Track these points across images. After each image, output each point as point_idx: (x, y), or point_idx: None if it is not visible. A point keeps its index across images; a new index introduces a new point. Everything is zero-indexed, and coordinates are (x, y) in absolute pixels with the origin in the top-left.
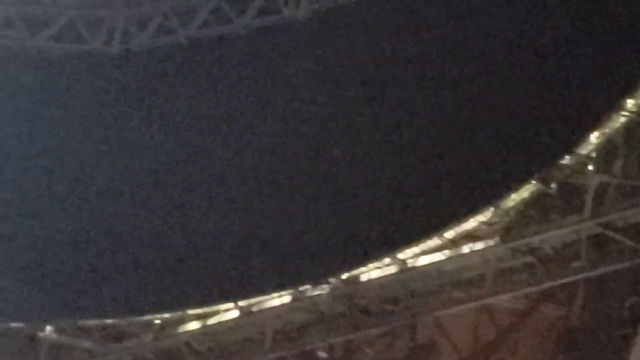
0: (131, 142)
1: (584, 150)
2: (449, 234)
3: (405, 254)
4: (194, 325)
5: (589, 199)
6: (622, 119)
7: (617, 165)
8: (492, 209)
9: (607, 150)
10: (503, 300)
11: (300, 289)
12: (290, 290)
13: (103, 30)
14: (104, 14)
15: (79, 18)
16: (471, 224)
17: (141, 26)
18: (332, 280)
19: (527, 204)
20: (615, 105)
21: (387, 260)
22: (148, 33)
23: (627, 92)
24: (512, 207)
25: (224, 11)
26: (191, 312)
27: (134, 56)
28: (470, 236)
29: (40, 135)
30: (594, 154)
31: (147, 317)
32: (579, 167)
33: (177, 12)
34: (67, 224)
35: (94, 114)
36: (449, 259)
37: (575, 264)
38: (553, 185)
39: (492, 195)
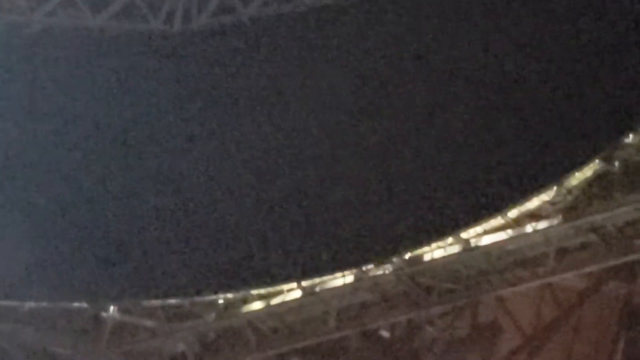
0: (192, 123)
1: None
2: (512, 213)
3: (468, 234)
4: (257, 305)
5: None
6: None
7: None
8: (555, 188)
9: None
10: (566, 279)
11: (363, 268)
12: (353, 270)
13: (164, 9)
14: None
15: None
16: (534, 203)
17: (202, 5)
18: (395, 260)
19: (590, 182)
20: None
21: (450, 239)
22: (209, 12)
23: None
24: (575, 186)
25: None
26: (254, 292)
27: (195, 35)
28: (533, 215)
29: (101, 114)
30: None
31: (211, 297)
32: None
33: None
34: (131, 204)
35: (153, 95)
36: (511, 238)
37: (638, 242)
38: (616, 164)
39: (555, 174)
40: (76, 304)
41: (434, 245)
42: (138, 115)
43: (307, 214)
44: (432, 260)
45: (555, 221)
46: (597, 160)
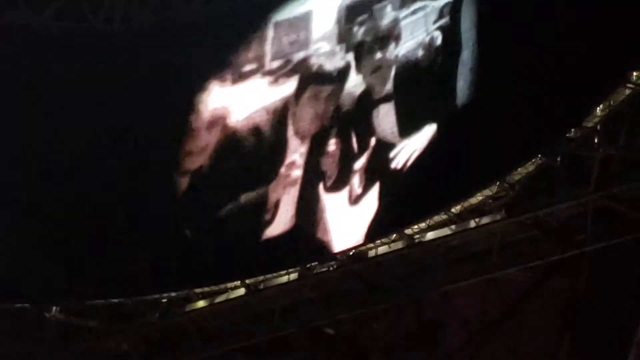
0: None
1: (589, 123)
2: (455, 209)
3: (411, 230)
4: (201, 304)
5: (594, 171)
6: (627, 92)
7: (622, 137)
8: (497, 183)
9: (611, 123)
10: (509, 274)
11: (308, 266)
12: (298, 268)
13: (104, 7)
14: None
15: None
16: (477, 198)
17: (142, 3)
18: (339, 257)
19: (533, 177)
20: (619, 77)
21: (393, 236)
22: (149, 10)
23: (632, 64)
24: (518, 181)
25: None
26: (198, 290)
27: (135, 33)
28: (477, 210)
29: (44, 112)
30: (599, 127)
31: (154, 296)
32: (584, 140)
33: None
34: (74, 205)
35: (95, 91)
36: (455, 233)
37: (581, 237)
38: (558, 159)
39: (497, 169)
40: (19, 305)
41: (377, 241)
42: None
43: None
44: (376, 257)
45: (498, 216)
46: (539, 155)
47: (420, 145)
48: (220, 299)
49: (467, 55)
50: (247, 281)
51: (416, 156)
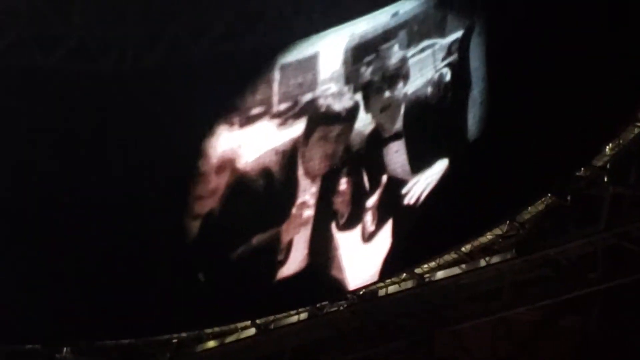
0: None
1: (598, 162)
2: (466, 248)
3: (422, 269)
4: (211, 344)
5: (604, 210)
6: (636, 130)
7: (632, 176)
8: (507, 222)
9: (621, 162)
10: (520, 312)
11: (318, 305)
12: (308, 307)
13: (114, 49)
14: (115, 33)
15: (89, 37)
16: (487, 237)
17: (153, 44)
18: (349, 296)
19: (543, 216)
20: (629, 116)
21: (404, 275)
22: (159, 51)
23: None
24: (528, 220)
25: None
26: (208, 330)
27: (144, 74)
28: (487, 249)
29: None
30: (608, 166)
31: (164, 337)
32: (594, 179)
33: (188, 29)
34: (82, 248)
35: (103, 134)
36: (465, 272)
37: (591, 276)
38: (568, 198)
39: (508, 208)
40: (29, 346)
41: (388, 280)
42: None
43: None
44: (387, 296)
45: (508, 255)
46: (549, 194)
47: (432, 180)
48: (230, 339)
49: (476, 92)
50: (258, 321)
51: (427, 193)
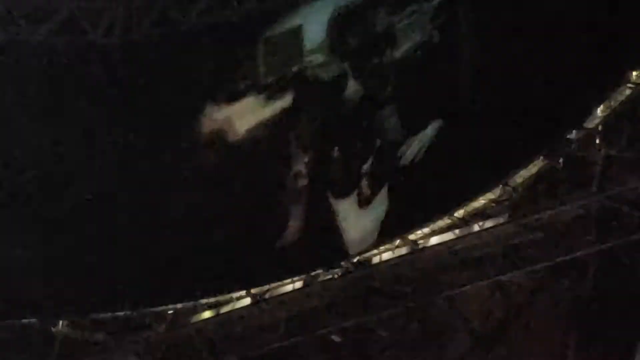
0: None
1: (590, 124)
2: (459, 213)
3: (415, 235)
4: (206, 315)
5: (596, 172)
6: (628, 92)
7: (624, 138)
8: (500, 186)
9: (613, 124)
10: (515, 277)
11: (312, 273)
12: (302, 276)
13: (104, 21)
14: (104, 4)
15: (79, 10)
16: (480, 202)
17: (142, 16)
18: (343, 264)
19: (536, 180)
20: (620, 78)
21: (397, 241)
22: (148, 22)
23: (632, 64)
24: (521, 184)
25: None
26: (204, 301)
27: (135, 46)
28: (480, 214)
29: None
30: (600, 128)
31: (160, 308)
32: (586, 141)
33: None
34: (79, 219)
35: (95, 107)
36: (459, 238)
37: (585, 238)
38: (561, 161)
39: (500, 172)
40: (25, 320)
41: (381, 247)
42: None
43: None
44: (381, 263)
45: (501, 219)
46: (541, 158)
47: (427, 141)
48: (225, 309)
49: (466, 54)
50: (253, 291)
51: (421, 156)
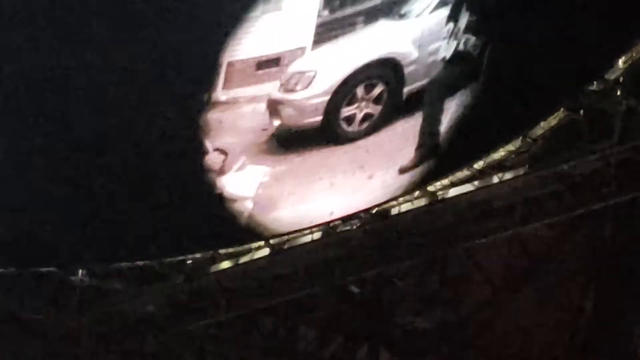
0: None
1: (611, 75)
2: (478, 165)
3: (434, 186)
4: (225, 265)
5: (617, 124)
6: None
7: None
8: (520, 137)
9: (634, 75)
10: (534, 229)
11: (331, 224)
12: (321, 226)
13: None
14: None
15: None
16: (500, 153)
17: None
18: (362, 215)
19: (555, 131)
20: None
21: (416, 193)
22: None
23: None
24: (541, 135)
25: None
26: (222, 251)
27: None
28: (499, 166)
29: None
30: (621, 79)
31: (179, 258)
32: (607, 93)
33: None
34: (98, 167)
35: None
36: (478, 189)
37: (605, 190)
38: (581, 112)
39: (520, 124)
40: (44, 269)
41: (401, 199)
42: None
43: None
44: (400, 214)
45: (521, 171)
46: (562, 109)
47: None
48: (244, 259)
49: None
50: (271, 241)
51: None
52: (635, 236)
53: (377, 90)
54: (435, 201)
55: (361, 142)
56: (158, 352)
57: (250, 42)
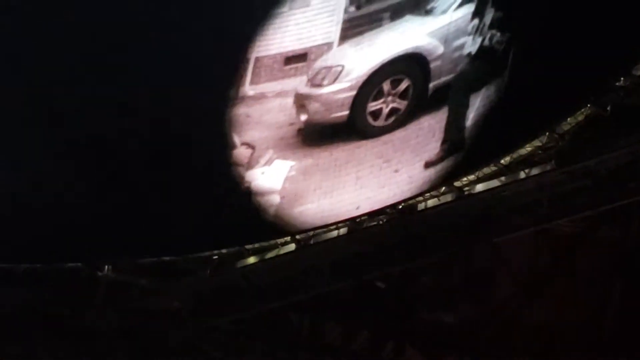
0: None
1: (638, 71)
2: (505, 160)
3: (461, 182)
4: (251, 260)
5: None
6: None
7: None
8: (547, 133)
9: None
10: (560, 224)
11: (357, 220)
12: (347, 222)
13: None
14: None
15: None
16: (527, 149)
17: None
18: (388, 210)
19: (583, 127)
20: None
21: (443, 188)
22: None
23: None
24: (567, 131)
25: None
26: (249, 247)
27: None
28: (526, 161)
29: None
30: None
31: (205, 253)
32: (634, 88)
33: None
34: (126, 165)
35: None
36: (505, 185)
37: (631, 185)
38: (608, 108)
39: (546, 119)
40: (71, 265)
41: (427, 194)
42: None
43: None
44: (426, 210)
45: (548, 167)
46: (588, 105)
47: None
48: (270, 254)
49: None
50: (298, 237)
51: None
52: None
53: (403, 85)
54: (461, 197)
55: (387, 137)
56: (183, 347)
57: (277, 37)
